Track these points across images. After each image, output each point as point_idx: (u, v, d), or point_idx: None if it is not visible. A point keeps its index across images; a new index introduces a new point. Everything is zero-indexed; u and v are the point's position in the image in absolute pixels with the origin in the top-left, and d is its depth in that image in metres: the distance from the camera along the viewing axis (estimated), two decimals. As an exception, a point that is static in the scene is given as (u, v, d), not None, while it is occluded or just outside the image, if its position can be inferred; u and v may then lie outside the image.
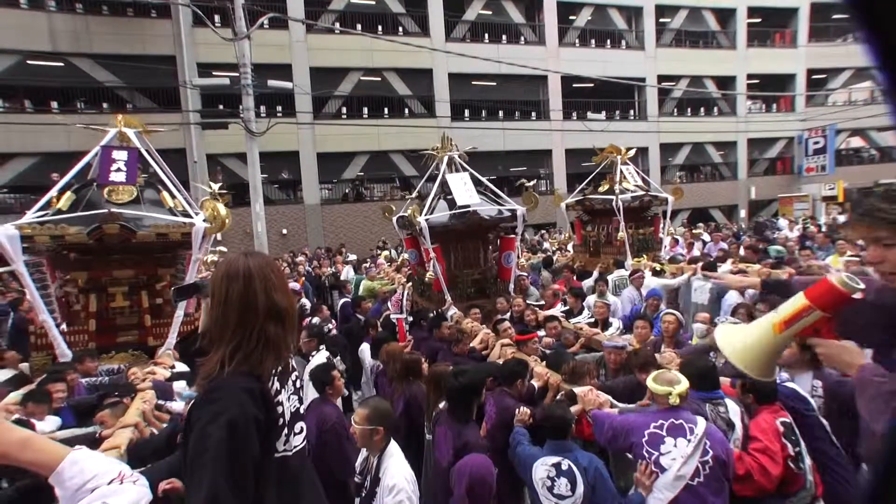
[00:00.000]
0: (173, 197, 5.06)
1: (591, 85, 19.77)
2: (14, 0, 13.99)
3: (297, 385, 1.63)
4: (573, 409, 2.95)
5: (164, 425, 2.96)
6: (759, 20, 22.37)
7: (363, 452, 2.67)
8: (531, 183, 7.18)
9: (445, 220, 6.11)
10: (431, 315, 5.40)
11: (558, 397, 3.20)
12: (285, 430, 1.49)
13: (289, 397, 1.54)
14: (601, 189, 8.99)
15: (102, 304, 4.75)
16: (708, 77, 21.61)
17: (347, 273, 10.72)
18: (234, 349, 1.36)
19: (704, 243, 11.31)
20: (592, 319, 5.48)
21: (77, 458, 1.04)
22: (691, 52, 21.46)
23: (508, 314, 5.55)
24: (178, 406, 3.35)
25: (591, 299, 6.27)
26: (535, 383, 3.44)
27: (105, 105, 14.64)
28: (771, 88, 22.30)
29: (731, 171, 22.84)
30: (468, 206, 6.12)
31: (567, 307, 5.99)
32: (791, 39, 22.80)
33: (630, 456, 2.59)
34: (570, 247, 10.36)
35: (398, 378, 3.78)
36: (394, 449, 2.54)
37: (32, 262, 4.62)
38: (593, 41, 20.23)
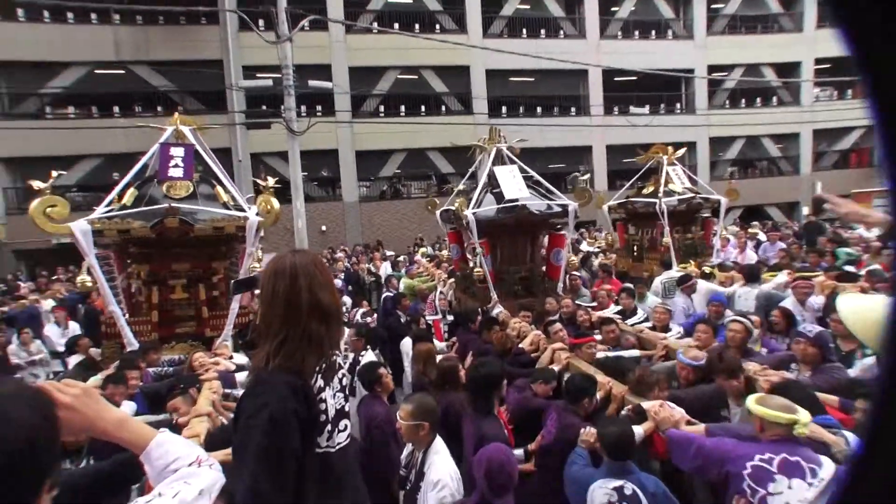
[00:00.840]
0: (227, 192, 5.19)
1: (635, 78, 19.09)
2: (87, 16, 15.20)
3: (344, 383, 1.64)
4: (644, 426, 2.63)
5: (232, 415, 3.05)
6: (833, -4, 20.77)
7: (408, 446, 2.69)
8: (585, 176, 6.89)
9: (493, 213, 5.92)
10: (481, 317, 5.20)
11: (623, 412, 2.89)
12: (328, 427, 1.50)
13: (334, 395, 1.55)
14: (645, 191, 8.52)
15: (163, 295, 4.91)
16: (766, 64, 20.24)
17: (385, 270, 10.84)
18: (278, 345, 1.41)
19: (760, 243, 10.54)
20: (650, 324, 5.09)
21: (162, 440, 1.13)
22: (747, 38, 20.20)
23: (557, 315, 5.22)
24: None
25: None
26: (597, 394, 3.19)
27: (159, 108, 15.52)
28: (845, 73, 20.10)
29: (792, 165, 21.30)
30: (517, 200, 5.91)
31: (620, 307, 5.62)
32: (874, 14, 21.00)
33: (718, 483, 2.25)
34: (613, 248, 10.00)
35: (435, 387, 3.63)
36: (439, 445, 2.54)
37: (101, 255, 4.84)
38: (637, 32, 19.56)
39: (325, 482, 1.47)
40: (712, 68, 19.73)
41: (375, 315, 7.52)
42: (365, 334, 4.82)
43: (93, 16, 15.26)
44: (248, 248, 4.85)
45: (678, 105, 20.34)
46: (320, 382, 1.48)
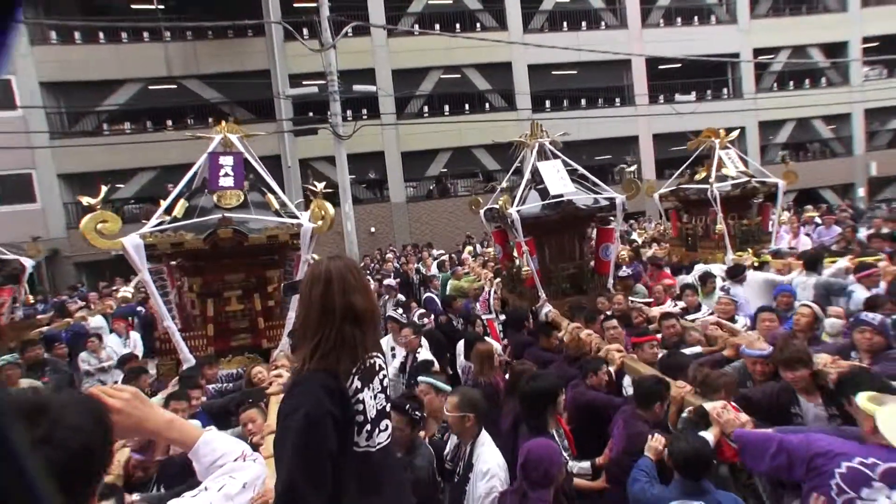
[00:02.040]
0: (278, 199, 5.07)
1: (679, 65, 18.64)
2: (139, 35, 15.99)
3: (385, 384, 1.66)
4: (713, 431, 2.33)
5: None
6: (878, -25, 19.82)
7: (454, 439, 2.70)
8: (632, 168, 6.71)
9: (538, 210, 5.81)
10: (537, 320, 5.02)
11: (683, 414, 2.64)
12: (367, 427, 1.53)
13: (374, 396, 1.57)
14: (697, 177, 8.23)
15: (218, 308, 4.71)
16: (813, 45, 19.63)
17: (435, 270, 10.85)
18: (314, 348, 1.47)
19: (817, 225, 10.12)
20: (715, 318, 4.76)
21: (208, 438, 1.21)
22: (792, 20, 19.63)
23: (610, 313, 4.97)
24: None
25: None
26: None
27: (210, 120, 16.06)
28: (893, 51, 19.55)
29: (845, 146, 20.54)
30: (562, 196, 5.78)
31: (682, 304, 5.28)
32: (922, -10, 19.90)
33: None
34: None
35: (506, 392, 3.47)
36: (485, 437, 2.57)
37: (154, 269, 4.70)
38: (679, 19, 19.12)
39: (364, 480, 1.51)
40: (758, 52, 19.21)
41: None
42: (418, 331, 4.75)
43: (145, 34, 16.02)
44: (304, 256, 4.62)
45: (725, 90, 19.85)
46: (357, 384, 1.51)
